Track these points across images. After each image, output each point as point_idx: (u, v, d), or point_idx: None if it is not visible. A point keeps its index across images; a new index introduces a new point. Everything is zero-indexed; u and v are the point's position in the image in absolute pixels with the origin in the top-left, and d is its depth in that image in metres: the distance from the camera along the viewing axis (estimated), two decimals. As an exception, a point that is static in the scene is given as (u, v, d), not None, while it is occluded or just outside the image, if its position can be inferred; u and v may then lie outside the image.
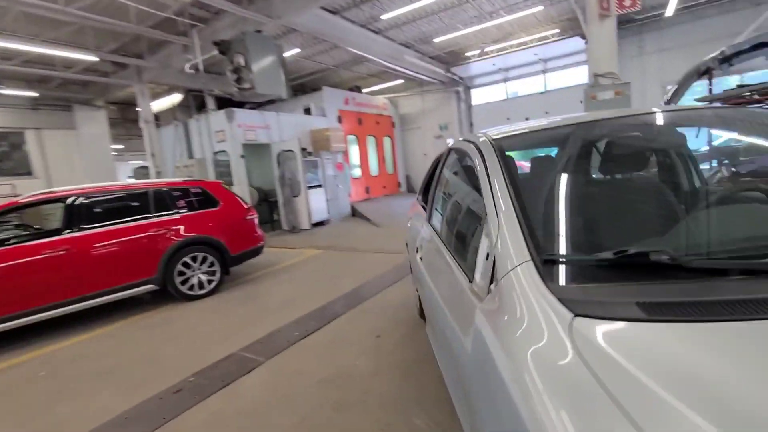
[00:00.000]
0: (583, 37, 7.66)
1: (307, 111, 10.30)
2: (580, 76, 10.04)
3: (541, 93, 10.88)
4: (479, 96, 12.34)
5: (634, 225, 1.19)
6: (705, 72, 3.91)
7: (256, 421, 2.20)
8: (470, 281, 1.25)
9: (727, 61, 3.74)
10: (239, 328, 3.58)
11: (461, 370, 1.20)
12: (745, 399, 0.57)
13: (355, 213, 10.11)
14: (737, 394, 0.58)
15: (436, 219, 2.03)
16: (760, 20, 6.29)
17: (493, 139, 1.59)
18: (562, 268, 0.94)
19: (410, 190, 13.59)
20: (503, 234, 1.11)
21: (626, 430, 0.56)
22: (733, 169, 1.79)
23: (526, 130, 1.69)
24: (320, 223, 9.12)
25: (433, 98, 12.57)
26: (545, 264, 0.96)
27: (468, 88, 12.27)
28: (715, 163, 2.00)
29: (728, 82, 6.25)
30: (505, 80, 11.48)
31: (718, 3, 8.05)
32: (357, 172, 11.52)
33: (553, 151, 1.67)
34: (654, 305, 0.77)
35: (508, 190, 1.23)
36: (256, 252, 5.34)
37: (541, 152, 1.76)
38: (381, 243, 6.80)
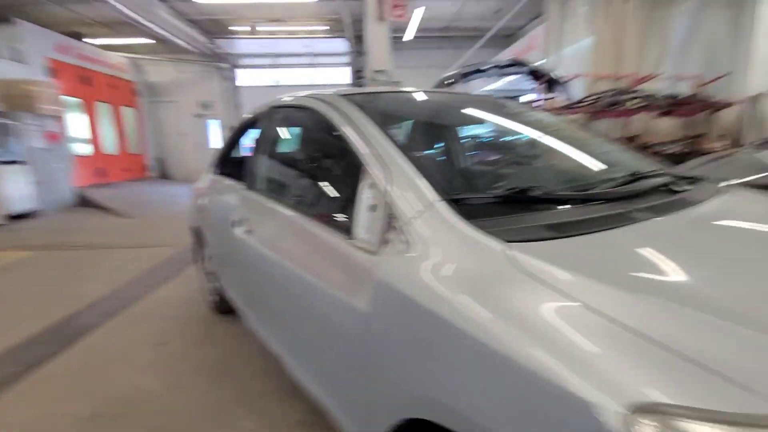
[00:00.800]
0: (348, 39, 8.45)
1: (-11, 49, 6.98)
2: (343, 76, 11.08)
3: (308, 86, 11.35)
4: (245, 78, 11.65)
5: (499, 172, 1.39)
6: (448, 85, 5.11)
7: None
8: (348, 238, 1.12)
9: (465, 77, 5.08)
10: None
11: (349, 342, 1.07)
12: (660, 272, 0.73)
13: (85, 202, 7.64)
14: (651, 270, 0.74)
15: (270, 185, 1.74)
16: (468, 54, 8.79)
17: (341, 95, 1.49)
18: (467, 207, 0.96)
19: (165, 175, 11.48)
20: (399, 181, 1.04)
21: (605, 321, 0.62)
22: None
23: (367, 92, 1.67)
24: (24, 216, 6.42)
25: (191, 70, 10.96)
26: (451, 204, 0.96)
27: (233, 67, 11.37)
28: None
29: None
30: (273, 66, 11.29)
31: (438, 38, 10.60)
32: (85, 148, 8.74)
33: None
34: (558, 226, 0.89)
35: (389, 140, 1.16)
36: None
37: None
38: (136, 237, 5.43)
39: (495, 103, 2.02)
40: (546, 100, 5.34)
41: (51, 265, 4.20)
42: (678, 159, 4.43)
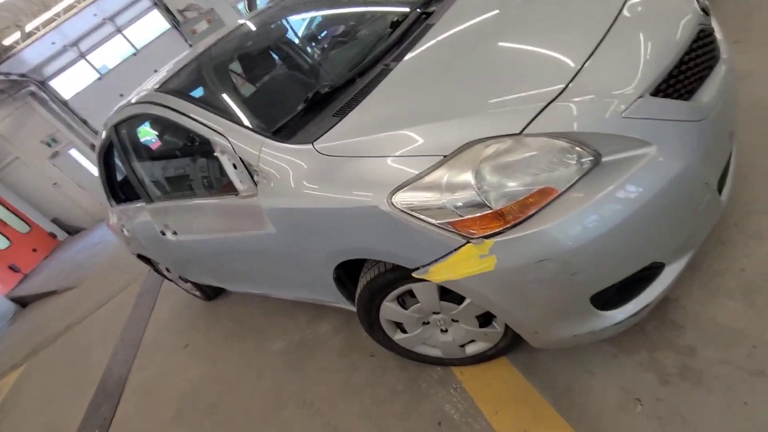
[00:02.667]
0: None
1: None
2: (157, 23, 9.63)
3: (134, 54, 9.89)
4: (66, 87, 9.98)
5: (299, 89, 1.68)
6: None
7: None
8: (237, 195, 1.47)
9: None
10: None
11: (278, 254, 1.50)
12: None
13: (25, 302, 7.32)
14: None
15: (162, 189, 1.98)
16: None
17: (158, 89, 1.66)
18: (284, 131, 1.32)
19: (72, 231, 10.64)
20: (236, 138, 1.35)
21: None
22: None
23: (180, 68, 1.81)
24: (-17, 347, 6.21)
25: (3, 116, 9.29)
26: (274, 136, 1.31)
27: (43, 83, 9.63)
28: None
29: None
30: (82, 55, 9.62)
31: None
32: (-26, 258, 7.92)
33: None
34: (339, 111, 1.27)
35: (211, 110, 1.43)
36: None
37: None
38: (98, 296, 5.47)
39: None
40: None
41: (48, 364, 4.37)
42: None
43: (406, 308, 1.32)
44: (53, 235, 10.16)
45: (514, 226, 0.91)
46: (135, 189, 2.19)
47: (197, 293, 3.23)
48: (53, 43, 8.96)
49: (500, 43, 1.23)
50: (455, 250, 0.96)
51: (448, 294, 1.24)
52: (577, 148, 0.93)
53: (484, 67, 1.18)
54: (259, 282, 1.97)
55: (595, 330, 1.03)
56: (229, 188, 1.50)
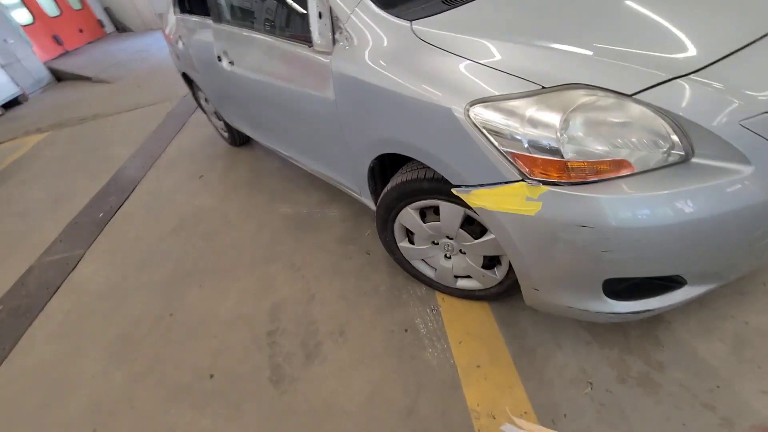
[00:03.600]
0: None
1: None
2: None
3: None
4: None
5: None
6: None
7: (120, 294, 2.11)
8: (310, 46, 1.41)
9: None
10: (9, 247, 2.79)
11: (329, 123, 1.49)
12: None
13: (60, 76, 7.45)
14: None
15: (236, 15, 1.89)
16: None
17: None
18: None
19: (121, 28, 10.44)
20: (334, -14, 1.25)
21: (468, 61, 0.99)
22: None
23: None
24: (13, 103, 6.48)
25: None
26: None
27: None
28: None
29: None
30: None
31: None
32: (23, 15, 7.86)
33: None
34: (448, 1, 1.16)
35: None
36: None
37: None
38: (129, 99, 5.55)
39: None
40: None
41: (70, 140, 4.59)
42: None
43: (424, 221, 1.35)
44: (101, 24, 9.99)
45: (573, 183, 0.89)
46: (207, 2, 2.09)
47: (225, 134, 3.28)
48: None
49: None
50: (507, 182, 0.95)
51: (469, 224, 1.27)
52: (674, 137, 0.87)
53: (616, 10, 1.05)
54: (292, 143, 1.98)
55: (590, 311, 1.06)
56: (304, 37, 1.43)
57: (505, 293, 1.40)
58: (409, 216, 1.36)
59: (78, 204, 3.09)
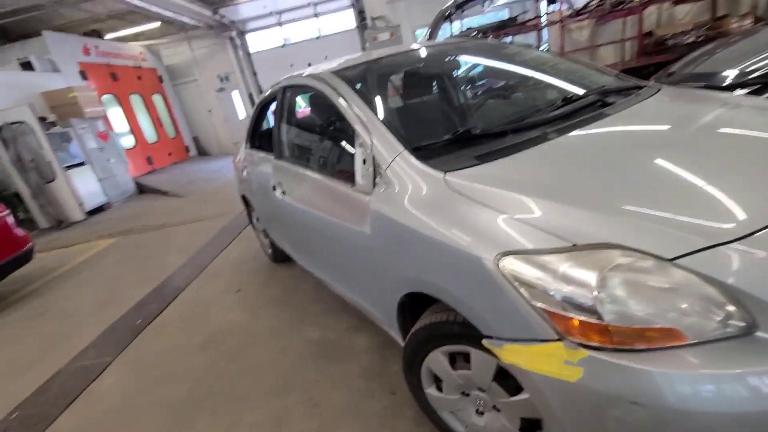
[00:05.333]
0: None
1: (27, 65, 7.64)
2: (348, 20, 10.85)
3: (317, 38, 11.25)
4: (255, 43, 11.74)
5: (448, 120, 1.73)
6: (447, 16, 5.11)
7: (130, 413, 2.02)
8: (352, 186, 1.55)
9: (459, 7, 5.08)
10: (47, 347, 2.88)
11: (363, 256, 1.53)
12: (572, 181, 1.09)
13: (143, 189, 8.60)
14: (559, 182, 1.10)
15: (292, 153, 2.18)
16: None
17: (333, 72, 1.85)
18: (424, 151, 1.35)
19: (202, 152, 12.28)
20: (378, 139, 1.43)
21: (497, 214, 1.02)
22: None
23: (354, 64, 1.99)
24: (98, 210, 7.43)
25: (203, 45, 11.22)
26: (412, 151, 1.35)
27: (242, 33, 11.45)
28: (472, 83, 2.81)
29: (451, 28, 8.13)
30: (279, 24, 11.24)
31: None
32: (129, 141, 9.56)
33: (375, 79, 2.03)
34: (483, 155, 1.26)
35: (369, 106, 1.54)
36: (24, 258, 4.10)
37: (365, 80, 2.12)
38: (194, 212, 6.19)
39: (459, 49, 2.32)
40: (548, 14, 5.17)
41: (134, 246, 5.05)
42: (695, 47, 4.27)
43: (454, 368, 1.24)
44: (188, 149, 11.84)
45: (618, 350, 0.80)
46: (272, 142, 2.44)
47: (269, 251, 3.46)
48: (264, 7, 10.63)
49: (674, 161, 1.13)
50: (542, 341, 0.88)
51: (504, 378, 1.15)
52: (729, 307, 0.79)
53: (649, 175, 1.09)
54: (328, 267, 2.03)
55: None
56: (348, 177, 1.58)
57: (549, 467, 1.18)
58: (437, 361, 1.27)
59: (121, 309, 3.22)
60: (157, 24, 10.10)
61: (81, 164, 7.23)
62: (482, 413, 1.27)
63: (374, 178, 1.43)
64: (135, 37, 10.59)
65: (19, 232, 4.13)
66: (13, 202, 6.62)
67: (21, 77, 7.35)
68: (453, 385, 1.26)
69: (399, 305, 1.42)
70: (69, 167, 6.94)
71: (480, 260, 0.97)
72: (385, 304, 1.52)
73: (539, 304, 0.88)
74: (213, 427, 1.79)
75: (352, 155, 1.55)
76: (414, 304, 1.44)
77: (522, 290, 0.90)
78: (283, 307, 2.71)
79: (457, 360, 1.25)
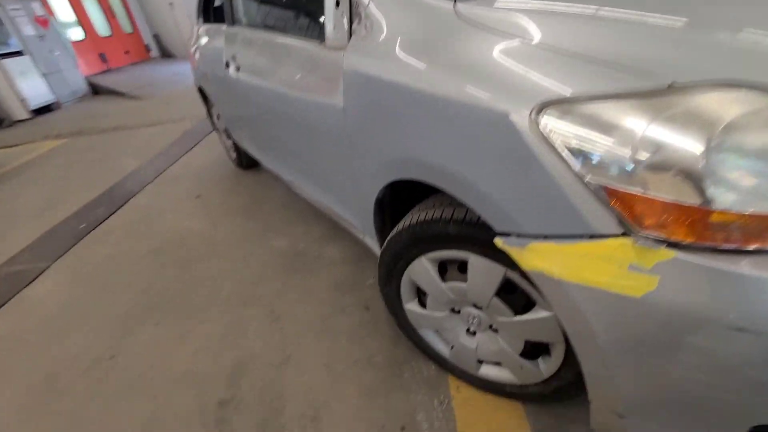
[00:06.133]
0: None
1: None
2: None
3: None
4: None
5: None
6: None
7: (67, 322, 1.75)
8: (320, 43, 1.12)
9: None
10: (-19, 246, 2.52)
11: (330, 136, 1.16)
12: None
13: (97, 90, 7.64)
14: None
15: (247, 12, 1.67)
16: None
17: None
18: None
19: (165, 54, 10.93)
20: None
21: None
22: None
23: None
24: (46, 110, 6.59)
25: None
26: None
27: None
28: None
29: None
30: None
31: None
32: (77, 33, 8.28)
33: None
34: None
35: None
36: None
37: None
38: (153, 115, 5.52)
39: None
40: None
41: (84, 148, 4.49)
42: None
43: (444, 279, 0.97)
44: (148, 49, 10.49)
45: (720, 251, 0.51)
46: (224, 9, 1.90)
47: (233, 155, 3.04)
48: None
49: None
50: (594, 237, 0.57)
51: (509, 293, 0.88)
52: None
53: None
54: (294, 163, 1.67)
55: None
56: (315, 33, 1.15)
57: (550, 396, 0.98)
58: (423, 270, 0.98)
59: (64, 212, 2.84)
60: None
61: (18, 53, 6.22)
62: (473, 333, 1.03)
63: (351, 24, 1.01)
64: None
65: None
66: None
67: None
68: (441, 299, 1.00)
69: (377, 203, 1.10)
70: (2, 56, 5.95)
71: (506, 118, 0.63)
72: (359, 203, 1.20)
73: (597, 180, 0.56)
74: (158, 340, 1.54)
75: (320, 2, 1.11)
76: (395, 202, 1.13)
77: (572, 160, 0.57)
78: (247, 215, 2.39)
79: (449, 269, 0.97)
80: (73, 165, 3.97)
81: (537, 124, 0.60)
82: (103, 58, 8.76)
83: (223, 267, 1.92)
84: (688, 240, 0.51)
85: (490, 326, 0.98)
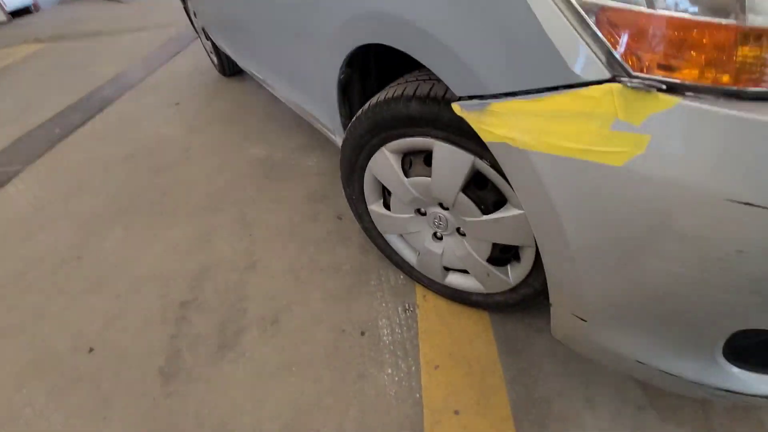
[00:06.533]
0: None
1: None
2: None
3: None
4: None
5: None
6: None
7: (36, 222, 1.69)
8: None
9: None
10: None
11: (295, 8, 0.97)
12: None
13: (78, -9, 7.01)
14: None
15: None
16: None
17: None
18: None
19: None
20: None
21: None
22: None
23: None
24: (24, 12, 6.10)
25: None
26: None
27: None
28: None
29: None
30: None
31: None
32: None
33: None
34: None
35: None
36: None
37: None
38: (138, 20, 5.08)
39: None
40: None
41: (64, 53, 4.18)
42: None
43: (408, 175, 0.84)
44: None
45: (738, 96, 0.36)
46: None
47: (214, 60, 2.79)
48: None
49: None
50: (574, 87, 0.43)
51: (479, 188, 0.75)
52: None
53: None
54: (264, 57, 1.47)
55: (684, 378, 0.55)
56: None
57: (516, 305, 0.90)
58: (385, 163, 0.85)
59: (40, 118, 2.69)
60: None
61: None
62: (440, 237, 0.93)
63: None
64: None
65: None
66: None
67: None
68: (404, 198, 0.88)
69: (340, 87, 0.94)
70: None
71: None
72: (324, 90, 1.03)
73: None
74: (126, 242, 1.49)
75: None
76: (365, 88, 0.96)
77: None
78: (227, 124, 2.23)
79: (414, 163, 0.84)
80: (51, 71, 3.72)
81: None
82: (82, -46, 7.89)
83: (196, 174, 1.82)
84: (702, 80, 0.37)
85: (458, 230, 0.88)
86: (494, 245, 0.81)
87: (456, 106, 0.55)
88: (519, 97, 0.47)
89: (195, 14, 2.59)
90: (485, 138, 0.53)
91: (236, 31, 1.62)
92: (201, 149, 2.01)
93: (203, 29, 2.56)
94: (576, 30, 0.40)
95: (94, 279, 1.36)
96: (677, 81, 0.37)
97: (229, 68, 2.72)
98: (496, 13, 0.45)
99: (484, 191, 0.75)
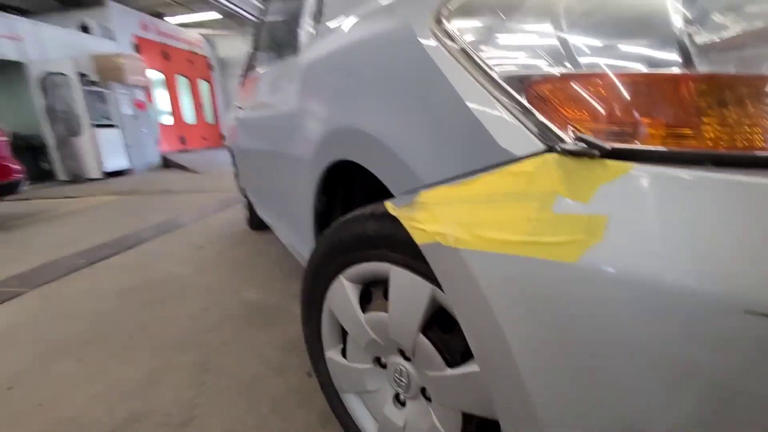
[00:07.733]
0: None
1: (85, 29, 7.94)
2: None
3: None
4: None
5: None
6: None
7: (3, 344, 1.57)
8: (295, 53, 1.08)
9: None
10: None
11: (285, 143, 1.04)
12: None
13: (168, 164, 8.58)
14: None
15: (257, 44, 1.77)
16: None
17: None
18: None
19: (236, 143, 12.40)
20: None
21: None
22: None
23: None
24: (119, 173, 7.40)
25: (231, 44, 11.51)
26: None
27: None
28: None
29: None
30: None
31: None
32: (168, 119, 9.72)
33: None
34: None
35: None
36: (8, 188, 3.92)
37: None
38: (202, 185, 5.97)
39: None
40: None
41: (129, 203, 4.81)
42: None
43: (365, 310, 0.70)
44: (223, 137, 11.97)
45: (706, 157, 0.26)
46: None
47: (247, 214, 3.04)
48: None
49: None
50: (499, 165, 0.34)
51: (445, 332, 0.59)
52: None
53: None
54: (268, 200, 1.55)
55: None
56: (295, 46, 1.13)
57: None
58: (341, 294, 0.73)
59: (74, 249, 2.87)
60: (218, 16, 10.43)
61: (111, 126, 7.28)
62: (403, 402, 0.71)
63: (317, 24, 0.96)
64: (196, 26, 10.99)
65: (13, 163, 3.97)
66: (40, 150, 6.70)
67: (76, 37, 7.61)
68: (361, 341, 0.71)
69: (317, 216, 0.91)
70: (98, 126, 6.98)
71: (410, 33, 0.46)
72: (302, 219, 1.01)
73: (508, 70, 0.35)
74: (70, 377, 1.30)
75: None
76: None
77: (482, 59, 0.38)
78: (236, 267, 2.24)
79: (373, 297, 0.71)
80: (110, 215, 4.20)
81: (441, 32, 0.42)
82: (182, 140, 10.05)
83: (183, 311, 1.72)
84: (652, 139, 0.27)
85: (423, 391, 0.67)
86: (467, 418, 0.59)
87: (388, 204, 0.47)
88: (449, 183, 0.38)
89: (236, 176, 2.97)
90: (418, 239, 0.42)
91: (256, 181, 1.78)
92: (199, 288, 1.97)
93: (242, 188, 2.89)
94: (502, 104, 0.34)
95: (12, 415, 1.13)
96: (633, 148, 0.28)
97: (255, 221, 2.93)
98: (425, 101, 0.42)
99: (451, 335, 0.59)
